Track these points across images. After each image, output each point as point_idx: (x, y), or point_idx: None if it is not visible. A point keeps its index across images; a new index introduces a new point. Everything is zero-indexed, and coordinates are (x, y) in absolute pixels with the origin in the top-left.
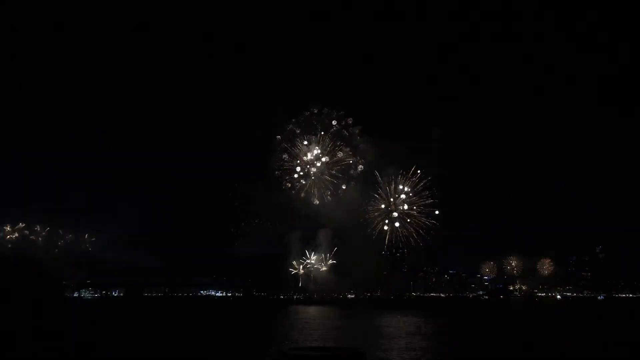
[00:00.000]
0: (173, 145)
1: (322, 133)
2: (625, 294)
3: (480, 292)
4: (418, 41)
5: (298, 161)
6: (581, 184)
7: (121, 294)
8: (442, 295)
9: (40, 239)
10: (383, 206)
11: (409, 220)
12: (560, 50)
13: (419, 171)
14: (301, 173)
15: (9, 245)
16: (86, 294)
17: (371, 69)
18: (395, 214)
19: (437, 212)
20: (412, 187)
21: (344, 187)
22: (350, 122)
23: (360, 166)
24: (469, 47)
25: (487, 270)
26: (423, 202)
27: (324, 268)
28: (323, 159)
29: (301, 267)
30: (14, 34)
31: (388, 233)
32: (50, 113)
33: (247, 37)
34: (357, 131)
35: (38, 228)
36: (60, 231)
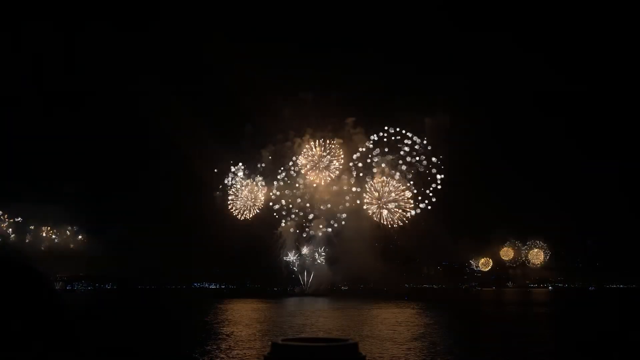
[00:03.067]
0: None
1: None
2: (616, 284)
3: (473, 284)
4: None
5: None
6: (572, 175)
7: (114, 287)
8: (435, 287)
9: (28, 234)
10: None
11: (395, 209)
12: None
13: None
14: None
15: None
16: (79, 287)
17: (364, 58)
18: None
19: (417, 210)
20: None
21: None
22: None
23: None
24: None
25: (480, 262)
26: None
27: (318, 260)
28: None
29: (295, 258)
30: None
31: (380, 219)
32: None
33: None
34: (350, 122)
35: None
36: (51, 226)
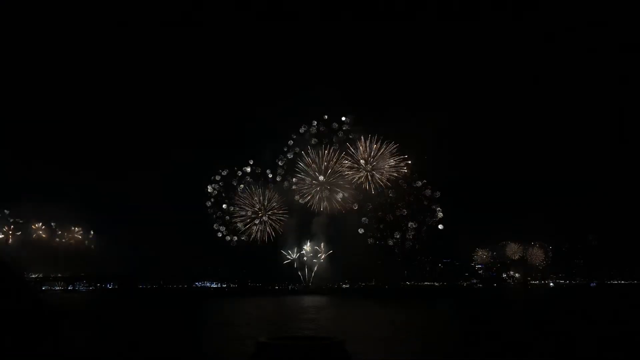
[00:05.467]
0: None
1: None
2: (617, 280)
3: (474, 281)
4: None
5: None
6: (574, 171)
7: (116, 287)
8: (436, 284)
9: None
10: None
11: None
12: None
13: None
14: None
15: None
16: (80, 286)
17: (364, 60)
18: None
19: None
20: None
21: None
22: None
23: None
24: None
25: (481, 259)
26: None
27: (319, 257)
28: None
29: (296, 256)
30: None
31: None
32: (44, 105)
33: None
34: (349, 121)
35: (33, 222)
36: (53, 224)
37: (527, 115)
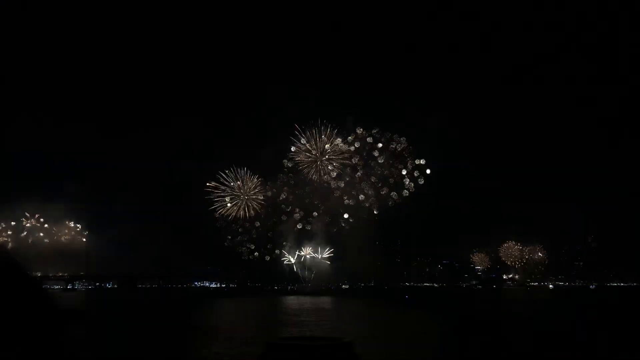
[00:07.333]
0: (169, 137)
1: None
2: (617, 282)
3: (474, 282)
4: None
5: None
6: (574, 173)
7: (115, 286)
8: (436, 285)
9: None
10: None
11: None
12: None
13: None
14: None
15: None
16: (80, 285)
17: (365, 60)
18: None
19: None
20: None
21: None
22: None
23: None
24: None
25: (480, 260)
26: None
27: (319, 258)
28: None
29: (296, 256)
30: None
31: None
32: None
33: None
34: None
35: (32, 221)
36: (52, 225)
37: (527, 117)
